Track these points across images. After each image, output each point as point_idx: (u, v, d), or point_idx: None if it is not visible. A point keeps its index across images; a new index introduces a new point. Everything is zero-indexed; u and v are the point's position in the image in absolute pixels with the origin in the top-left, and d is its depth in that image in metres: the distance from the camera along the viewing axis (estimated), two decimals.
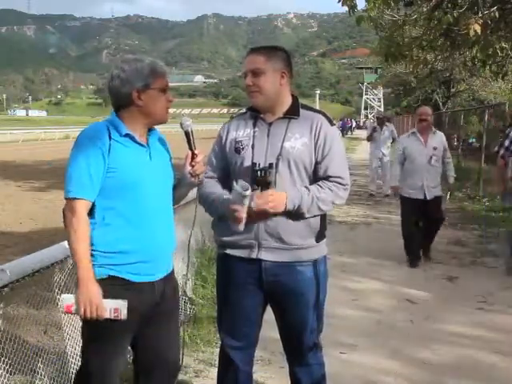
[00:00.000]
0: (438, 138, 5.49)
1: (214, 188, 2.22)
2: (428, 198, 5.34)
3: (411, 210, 5.48)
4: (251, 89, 2.15)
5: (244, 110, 2.32)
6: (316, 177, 2.18)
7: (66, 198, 1.90)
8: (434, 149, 5.37)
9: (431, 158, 5.33)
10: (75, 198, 1.88)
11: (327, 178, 2.16)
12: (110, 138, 1.92)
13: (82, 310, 1.85)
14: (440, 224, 5.69)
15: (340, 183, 2.17)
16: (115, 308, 1.89)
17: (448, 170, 5.58)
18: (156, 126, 2.09)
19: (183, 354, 2.21)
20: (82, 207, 1.88)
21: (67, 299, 1.91)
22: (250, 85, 2.15)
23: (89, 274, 1.86)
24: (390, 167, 11.02)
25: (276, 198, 2.06)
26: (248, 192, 1.97)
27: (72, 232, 1.86)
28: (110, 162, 1.90)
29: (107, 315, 1.88)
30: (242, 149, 2.18)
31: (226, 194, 2.14)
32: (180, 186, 2.15)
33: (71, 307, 1.89)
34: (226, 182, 2.25)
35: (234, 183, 2.01)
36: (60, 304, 1.93)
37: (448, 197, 6.13)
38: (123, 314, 1.89)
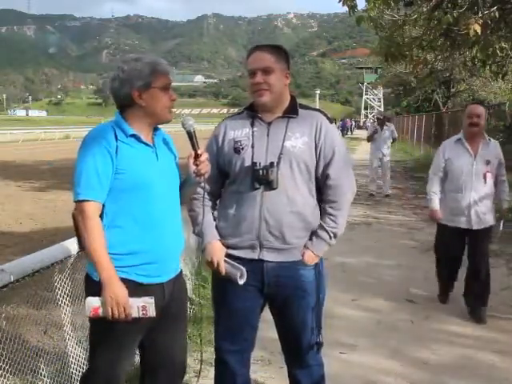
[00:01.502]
0: (492, 149, 4.11)
1: (204, 216, 2.21)
2: (475, 227, 4.04)
3: (452, 242, 4.19)
4: (261, 86, 2.11)
5: (241, 110, 2.30)
6: (317, 174, 2.19)
7: (75, 201, 1.88)
8: (487, 163, 4.01)
9: (485, 175, 3.99)
10: (85, 201, 1.85)
11: (327, 177, 2.17)
12: (116, 139, 1.90)
13: (110, 311, 1.83)
14: (486, 263, 4.18)
15: (340, 185, 2.18)
16: (143, 305, 1.88)
17: (501, 192, 4.16)
18: (160, 126, 2.07)
19: (202, 359, 2.22)
20: (93, 209, 1.86)
21: (93, 302, 1.86)
22: (260, 82, 2.11)
23: (111, 273, 1.84)
24: (391, 167, 11.11)
25: (306, 258, 2.16)
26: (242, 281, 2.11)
27: (86, 235, 1.84)
28: (118, 164, 1.88)
29: (135, 314, 1.87)
30: (242, 149, 2.17)
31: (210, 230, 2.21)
32: (185, 186, 2.14)
33: (98, 310, 1.85)
34: (223, 182, 2.26)
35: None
36: (87, 308, 1.87)
37: (501, 227, 4.46)
38: (151, 311, 1.88)
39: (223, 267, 2.16)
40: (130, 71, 1.93)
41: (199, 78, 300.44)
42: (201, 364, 2.47)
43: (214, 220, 2.26)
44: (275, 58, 2.13)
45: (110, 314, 1.83)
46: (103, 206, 1.90)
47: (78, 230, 1.91)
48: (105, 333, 1.95)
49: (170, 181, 2.04)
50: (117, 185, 1.90)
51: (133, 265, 1.92)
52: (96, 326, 1.98)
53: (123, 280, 1.90)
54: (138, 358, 2.30)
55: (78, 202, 1.87)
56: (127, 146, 1.92)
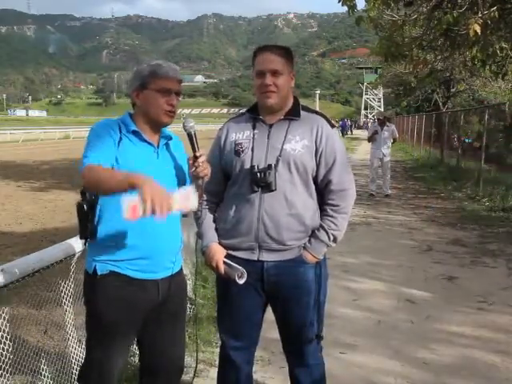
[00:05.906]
0: None
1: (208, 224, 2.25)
2: None
3: None
4: (270, 88, 2.11)
5: (243, 111, 2.31)
6: (317, 178, 2.19)
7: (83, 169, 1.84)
8: None
9: None
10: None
11: (329, 183, 2.17)
12: (120, 131, 1.96)
13: (149, 202, 1.58)
14: None
15: (343, 189, 2.19)
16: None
17: None
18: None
19: (197, 357, 2.21)
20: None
21: (130, 200, 1.62)
22: (269, 84, 2.10)
23: (137, 174, 1.70)
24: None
25: (308, 258, 2.17)
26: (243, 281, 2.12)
27: (102, 180, 1.77)
28: (117, 155, 1.91)
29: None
30: (242, 151, 2.17)
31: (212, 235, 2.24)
32: None
33: (136, 207, 1.60)
34: (226, 184, 2.25)
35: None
36: (124, 207, 1.62)
37: None
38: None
39: (222, 269, 2.17)
40: (135, 72, 2.03)
41: (199, 78, 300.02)
42: (196, 363, 2.48)
43: (215, 222, 2.27)
44: (284, 61, 2.13)
45: (149, 205, 1.59)
46: (98, 199, 1.92)
47: (80, 220, 1.92)
48: (97, 327, 1.97)
49: (169, 181, 2.03)
50: None
51: (125, 259, 1.94)
52: (90, 320, 2.01)
53: (116, 274, 1.92)
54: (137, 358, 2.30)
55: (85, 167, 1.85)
56: (129, 140, 1.97)
